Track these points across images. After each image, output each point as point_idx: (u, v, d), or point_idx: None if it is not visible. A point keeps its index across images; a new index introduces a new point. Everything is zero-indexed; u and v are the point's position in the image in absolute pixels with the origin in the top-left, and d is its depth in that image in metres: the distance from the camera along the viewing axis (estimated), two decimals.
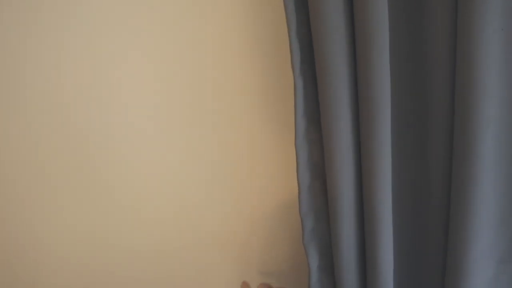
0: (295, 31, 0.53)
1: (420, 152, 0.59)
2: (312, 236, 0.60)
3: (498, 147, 0.54)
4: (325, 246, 0.62)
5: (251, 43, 0.68)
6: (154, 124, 0.74)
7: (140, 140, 0.76)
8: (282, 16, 0.55)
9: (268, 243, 0.80)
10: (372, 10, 0.48)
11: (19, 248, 0.87)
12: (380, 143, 0.52)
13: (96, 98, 0.74)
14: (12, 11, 0.71)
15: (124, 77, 0.72)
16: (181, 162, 0.76)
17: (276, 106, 0.70)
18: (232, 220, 0.79)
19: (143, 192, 0.80)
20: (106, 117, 0.75)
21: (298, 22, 0.53)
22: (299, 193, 0.58)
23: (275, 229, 0.78)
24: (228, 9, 0.66)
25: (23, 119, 0.77)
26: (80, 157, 0.78)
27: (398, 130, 0.59)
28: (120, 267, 0.86)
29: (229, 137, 0.73)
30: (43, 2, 0.70)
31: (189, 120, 0.73)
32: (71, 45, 0.71)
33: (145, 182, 0.79)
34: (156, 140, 0.75)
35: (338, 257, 0.60)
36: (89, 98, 0.74)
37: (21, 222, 0.85)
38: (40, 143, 0.78)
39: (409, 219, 0.63)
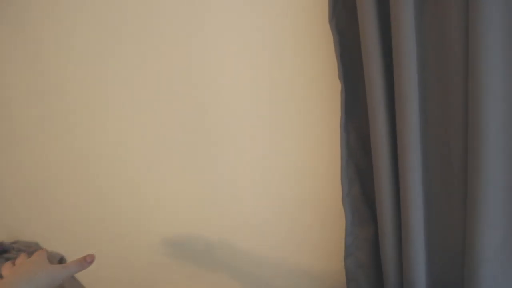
0: (339, 56, 0.73)
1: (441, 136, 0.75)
2: (347, 198, 0.79)
3: (505, 134, 0.67)
4: (357, 205, 0.81)
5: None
6: (241, 122, 0.93)
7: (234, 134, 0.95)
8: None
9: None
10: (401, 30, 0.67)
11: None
12: (410, 125, 0.71)
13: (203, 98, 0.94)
14: None
15: (225, 78, 0.91)
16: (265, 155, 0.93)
17: None
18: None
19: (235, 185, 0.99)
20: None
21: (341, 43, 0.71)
22: (341, 165, 0.77)
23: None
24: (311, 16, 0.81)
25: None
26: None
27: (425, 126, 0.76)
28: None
29: (313, 133, 0.90)
30: None
31: (275, 118, 0.89)
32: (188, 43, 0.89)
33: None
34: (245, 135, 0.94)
35: (380, 214, 0.80)
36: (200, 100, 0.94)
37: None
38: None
39: (438, 192, 0.79)
